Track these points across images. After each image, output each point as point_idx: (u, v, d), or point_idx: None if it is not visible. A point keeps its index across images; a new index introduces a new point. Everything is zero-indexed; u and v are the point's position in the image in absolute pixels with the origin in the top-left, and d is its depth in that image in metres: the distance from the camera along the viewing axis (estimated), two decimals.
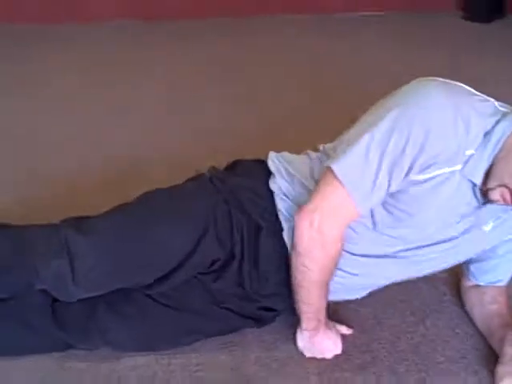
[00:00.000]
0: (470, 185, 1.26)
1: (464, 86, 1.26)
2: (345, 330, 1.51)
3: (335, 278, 1.37)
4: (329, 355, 1.45)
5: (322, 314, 1.41)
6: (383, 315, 1.58)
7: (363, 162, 1.21)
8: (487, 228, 1.37)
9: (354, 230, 1.34)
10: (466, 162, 1.22)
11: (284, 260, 1.39)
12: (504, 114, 1.23)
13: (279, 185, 1.42)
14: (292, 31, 3.88)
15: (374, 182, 1.21)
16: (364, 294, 1.52)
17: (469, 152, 1.21)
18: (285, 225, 1.38)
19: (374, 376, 1.40)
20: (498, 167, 1.21)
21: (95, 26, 3.90)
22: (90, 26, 3.91)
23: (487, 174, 1.23)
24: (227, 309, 1.44)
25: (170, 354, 1.44)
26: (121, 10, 3.98)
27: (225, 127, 2.59)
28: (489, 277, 1.54)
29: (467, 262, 1.54)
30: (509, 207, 1.28)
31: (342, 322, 1.53)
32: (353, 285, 1.44)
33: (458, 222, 1.32)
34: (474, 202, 1.30)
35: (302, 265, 1.31)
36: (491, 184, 1.22)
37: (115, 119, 2.74)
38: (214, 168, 1.52)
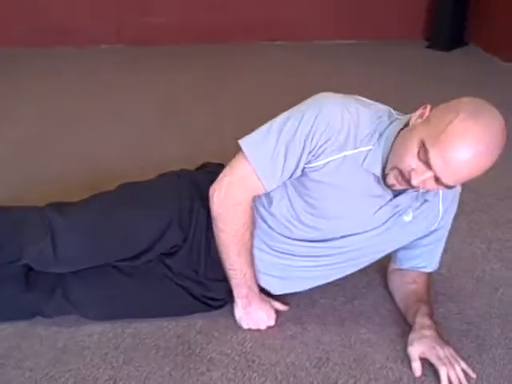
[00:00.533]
0: (375, 178, 1.47)
1: (362, 98, 1.50)
2: (279, 305, 1.70)
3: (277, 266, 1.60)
4: (263, 326, 1.64)
5: (252, 282, 1.61)
6: (317, 295, 1.78)
7: (264, 140, 1.46)
8: (407, 218, 1.56)
9: (284, 217, 1.55)
10: (365, 157, 1.45)
11: None
12: (397, 119, 1.46)
13: None
14: (273, 56, 4.19)
15: (272, 157, 1.45)
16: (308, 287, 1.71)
17: (365, 148, 1.44)
18: None
19: (302, 344, 1.60)
20: (390, 156, 1.42)
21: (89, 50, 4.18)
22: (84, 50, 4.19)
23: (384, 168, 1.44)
24: (182, 287, 1.63)
25: (124, 323, 1.64)
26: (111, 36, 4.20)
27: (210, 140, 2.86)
28: (412, 262, 1.73)
29: (395, 250, 1.74)
30: (419, 194, 1.50)
31: (278, 300, 1.72)
32: (293, 274, 1.64)
33: (374, 213, 1.52)
34: (386, 195, 1.50)
35: (216, 228, 1.54)
36: (386, 171, 1.42)
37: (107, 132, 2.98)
38: (183, 169, 1.77)
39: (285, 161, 1.45)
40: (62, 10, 4.07)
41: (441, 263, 1.75)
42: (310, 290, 1.75)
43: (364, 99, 1.50)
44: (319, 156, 1.44)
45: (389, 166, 1.41)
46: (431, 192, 1.51)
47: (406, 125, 1.42)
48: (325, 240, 1.57)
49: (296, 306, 1.74)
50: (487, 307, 1.76)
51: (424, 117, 1.36)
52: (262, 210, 1.59)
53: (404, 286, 1.72)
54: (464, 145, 1.26)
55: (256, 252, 1.62)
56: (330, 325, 1.68)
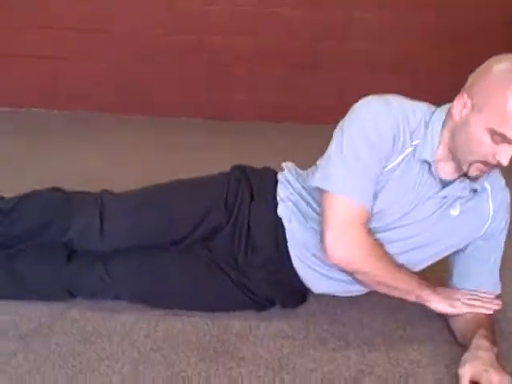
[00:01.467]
0: (426, 167, 1.48)
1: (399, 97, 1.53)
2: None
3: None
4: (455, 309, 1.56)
5: (419, 282, 1.55)
6: (367, 319, 1.67)
7: (343, 169, 1.45)
8: (455, 212, 1.53)
9: None
10: (414, 150, 1.47)
11: (274, 236, 1.58)
12: (436, 109, 1.50)
13: (286, 176, 1.66)
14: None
15: (361, 181, 1.44)
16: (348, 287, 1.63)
17: (415, 142, 1.47)
18: (281, 204, 1.60)
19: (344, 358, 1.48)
20: (457, 153, 1.44)
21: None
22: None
23: (457, 162, 1.46)
24: (222, 271, 1.58)
25: (159, 318, 1.58)
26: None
27: None
28: (469, 284, 1.62)
29: (451, 270, 1.66)
30: (466, 185, 1.50)
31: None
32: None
33: (424, 203, 1.50)
34: (435, 185, 1.50)
35: (364, 276, 1.50)
36: (464, 168, 1.44)
37: None
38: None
39: (371, 179, 1.46)
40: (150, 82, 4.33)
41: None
42: (359, 313, 1.67)
43: (403, 98, 1.53)
44: (392, 158, 1.47)
45: (465, 163, 1.43)
46: (479, 183, 1.51)
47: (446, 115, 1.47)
48: (374, 231, 1.53)
49: (342, 326, 1.62)
50: None
51: (468, 106, 1.39)
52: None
53: (466, 324, 1.56)
54: None
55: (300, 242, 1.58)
56: (378, 344, 1.54)
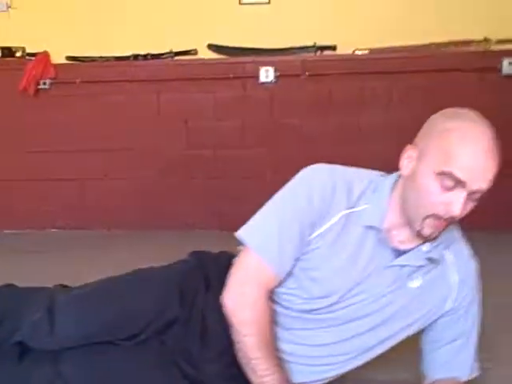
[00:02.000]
0: (373, 235, 1.40)
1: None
2: None
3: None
4: None
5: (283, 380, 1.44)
6: None
7: (264, 227, 1.43)
8: (414, 285, 1.44)
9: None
10: (363, 215, 1.39)
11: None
12: (387, 177, 1.46)
13: None
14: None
15: (278, 243, 1.40)
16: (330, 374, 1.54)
17: (361, 208, 1.41)
18: None
19: None
20: (409, 211, 1.37)
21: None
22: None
23: (410, 224, 1.39)
24: (180, 369, 1.51)
25: None
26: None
27: None
28: (443, 370, 1.51)
29: (423, 358, 1.53)
30: (422, 254, 1.42)
31: None
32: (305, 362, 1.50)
33: (376, 276, 1.43)
34: (387, 255, 1.42)
35: (239, 335, 1.43)
36: (416, 225, 1.36)
37: None
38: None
39: (292, 247, 1.41)
40: (160, 197, 4.44)
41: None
42: None
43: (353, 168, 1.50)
44: (320, 223, 1.41)
45: (417, 221, 1.35)
46: (436, 251, 1.43)
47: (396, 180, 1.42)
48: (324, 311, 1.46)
49: None
50: None
51: (414, 157, 1.34)
52: None
53: None
54: (472, 140, 1.27)
55: None
56: None
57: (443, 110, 1.37)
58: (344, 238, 1.41)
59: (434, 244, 1.44)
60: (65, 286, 1.68)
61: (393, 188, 1.42)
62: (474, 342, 1.53)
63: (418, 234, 1.38)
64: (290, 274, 1.46)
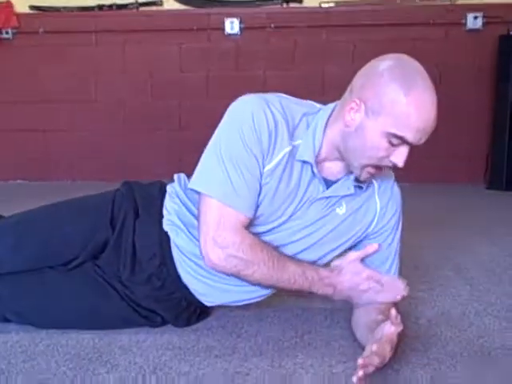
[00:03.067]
0: (308, 167, 1.43)
1: (283, 95, 1.49)
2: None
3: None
4: (364, 285, 1.46)
5: (315, 273, 1.44)
6: (266, 329, 1.59)
7: (219, 173, 1.39)
8: (341, 210, 1.49)
9: None
10: (295, 150, 1.42)
11: (159, 249, 1.53)
12: (320, 109, 1.46)
13: (174, 187, 1.62)
14: None
15: (238, 186, 1.38)
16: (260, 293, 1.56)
17: (296, 142, 1.42)
18: (166, 216, 1.55)
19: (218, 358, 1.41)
20: (349, 157, 1.41)
21: None
22: None
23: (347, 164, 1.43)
24: (112, 287, 1.53)
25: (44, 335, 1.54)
26: None
27: None
28: None
29: None
30: (351, 183, 1.47)
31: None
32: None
33: (309, 205, 1.46)
34: (319, 185, 1.46)
35: (248, 277, 1.42)
36: (355, 170, 1.41)
37: None
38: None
39: (249, 183, 1.40)
40: (123, 147, 4.47)
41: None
42: (260, 324, 1.61)
43: (285, 96, 1.49)
44: (269, 159, 1.41)
45: (357, 168, 1.40)
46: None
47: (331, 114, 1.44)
48: (260, 235, 1.46)
49: (237, 337, 1.55)
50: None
51: (361, 111, 1.35)
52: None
53: (369, 318, 1.47)
54: (424, 110, 1.31)
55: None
56: (266, 350, 1.46)
57: (386, 62, 1.35)
58: (288, 173, 1.43)
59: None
60: (1, 216, 1.69)
61: (327, 124, 1.43)
62: (397, 264, 1.57)
63: (356, 178, 1.44)
64: None
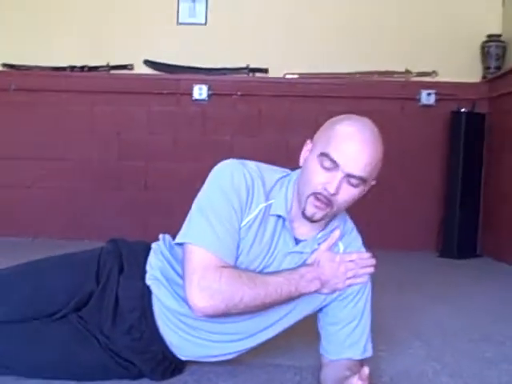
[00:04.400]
0: (281, 222, 1.56)
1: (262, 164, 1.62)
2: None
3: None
4: (345, 274, 1.58)
5: (296, 274, 1.53)
6: None
7: (203, 225, 1.50)
8: None
9: None
10: (269, 207, 1.55)
11: (141, 302, 1.62)
12: (292, 172, 1.61)
13: (159, 245, 1.72)
14: None
15: (221, 236, 1.49)
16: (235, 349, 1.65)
17: (271, 201, 1.56)
18: (149, 271, 1.65)
19: None
20: (298, 195, 1.54)
21: None
22: None
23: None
24: (93, 336, 1.60)
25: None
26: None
27: None
28: (337, 351, 1.63)
29: (320, 342, 1.67)
30: (319, 239, 1.57)
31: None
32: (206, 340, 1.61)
33: (280, 260, 1.57)
34: (290, 240, 1.57)
35: (239, 305, 1.47)
36: (302, 205, 1.51)
37: None
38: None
39: (231, 233, 1.50)
40: (88, 206, 4.53)
41: None
42: (233, 379, 1.68)
43: (262, 163, 1.63)
44: (247, 214, 1.53)
45: (303, 200, 1.50)
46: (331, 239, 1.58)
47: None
48: None
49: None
50: None
51: (310, 147, 1.53)
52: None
53: (336, 374, 1.56)
54: (351, 132, 1.45)
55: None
56: None
57: (339, 116, 1.53)
58: (263, 228, 1.54)
59: (327, 233, 1.59)
60: None
61: (296, 182, 1.56)
62: (365, 325, 1.65)
63: (303, 215, 1.52)
64: None
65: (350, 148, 1.44)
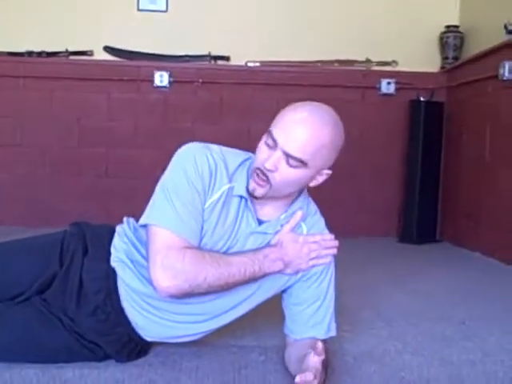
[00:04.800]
0: (244, 202, 1.58)
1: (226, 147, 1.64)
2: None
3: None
4: (308, 255, 1.60)
5: (260, 254, 1.55)
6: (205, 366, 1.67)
7: (166, 206, 1.52)
8: None
9: None
10: (232, 189, 1.57)
11: (106, 284, 1.61)
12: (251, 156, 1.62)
13: (123, 227, 1.72)
14: None
15: (185, 216, 1.50)
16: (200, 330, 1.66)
17: (234, 183, 1.57)
18: (114, 253, 1.64)
19: None
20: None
21: None
22: None
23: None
24: (56, 317, 1.59)
25: None
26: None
27: None
28: (301, 330, 1.66)
29: (285, 321, 1.69)
30: (280, 221, 1.59)
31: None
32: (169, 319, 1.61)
33: (244, 240, 1.59)
34: (252, 221, 1.59)
35: (203, 285, 1.49)
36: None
37: None
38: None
39: (194, 215, 1.52)
40: (48, 193, 4.46)
41: None
42: (198, 359, 1.69)
43: (226, 147, 1.64)
44: (210, 196, 1.55)
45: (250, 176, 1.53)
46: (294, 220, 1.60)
47: None
48: None
49: (178, 371, 1.64)
50: None
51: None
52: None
53: (299, 352, 1.57)
54: (292, 112, 1.48)
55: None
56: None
57: None
58: (226, 209, 1.56)
59: (291, 213, 1.61)
60: None
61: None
62: (328, 305, 1.67)
63: (247, 191, 1.54)
64: None
65: (290, 128, 1.46)
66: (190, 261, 1.47)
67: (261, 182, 1.50)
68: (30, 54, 4.46)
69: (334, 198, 4.06)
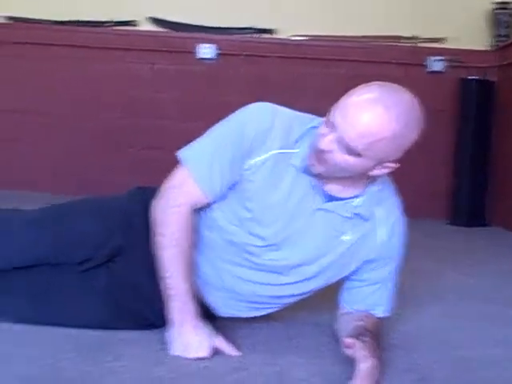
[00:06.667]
0: (306, 177, 1.49)
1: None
2: (222, 343, 1.49)
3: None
4: (192, 354, 1.43)
5: (188, 298, 1.47)
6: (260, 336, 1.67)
7: (201, 149, 1.52)
8: (346, 237, 1.54)
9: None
10: (293, 156, 1.50)
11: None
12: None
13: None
14: None
15: (210, 167, 1.48)
16: (251, 311, 1.65)
17: (295, 150, 1.50)
18: None
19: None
20: None
21: None
22: None
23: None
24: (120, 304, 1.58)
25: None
26: None
27: None
28: (361, 304, 1.63)
29: (342, 292, 1.66)
30: (349, 208, 1.51)
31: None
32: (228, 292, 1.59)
33: (311, 215, 1.51)
34: (318, 197, 1.51)
35: (155, 234, 1.50)
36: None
37: None
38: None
39: (222, 169, 1.48)
40: (93, 165, 4.50)
41: None
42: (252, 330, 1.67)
43: (292, 111, 1.58)
44: (251, 156, 1.49)
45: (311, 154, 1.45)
46: (365, 208, 1.52)
47: None
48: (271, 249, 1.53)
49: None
50: None
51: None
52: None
53: (349, 324, 1.56)
54: (357, 94, 1.36)
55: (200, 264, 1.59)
56: (261, 351, 1.54)
57: None
58: (277, 177, 1.48)
59: (365, 200, 1.52)
60: (17, 210, 1.72)
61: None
62: (391, 288, 1.63)
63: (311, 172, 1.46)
64: (228, 205, 1.52)
65: (350, 112, 1.34)
66: (175, 221, 1.48)
67: (313, 161, 1.43)
68: (76, 23, 4.46)
69: None
